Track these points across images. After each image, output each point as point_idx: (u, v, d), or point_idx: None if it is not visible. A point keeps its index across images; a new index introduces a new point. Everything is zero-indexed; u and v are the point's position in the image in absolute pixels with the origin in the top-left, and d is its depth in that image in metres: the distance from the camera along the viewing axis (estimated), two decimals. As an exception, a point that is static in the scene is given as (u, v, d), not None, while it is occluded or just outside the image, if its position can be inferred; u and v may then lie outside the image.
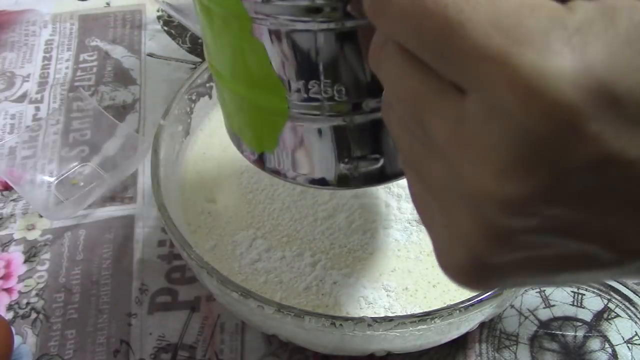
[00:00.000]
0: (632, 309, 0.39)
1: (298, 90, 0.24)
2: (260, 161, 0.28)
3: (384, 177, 0.27)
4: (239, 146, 0.30)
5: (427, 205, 0.20)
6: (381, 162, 0.26)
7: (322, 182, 0.27)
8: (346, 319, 0.29)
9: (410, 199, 0.29)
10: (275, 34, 0.23)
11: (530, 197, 0.16)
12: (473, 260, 0.18)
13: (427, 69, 0.17)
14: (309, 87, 0.24)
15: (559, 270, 0.18)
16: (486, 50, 0.15)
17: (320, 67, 0.23)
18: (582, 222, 0.16)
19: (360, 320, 0.29)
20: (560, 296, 0.39)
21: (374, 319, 0.29)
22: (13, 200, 0.45)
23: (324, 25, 0.22)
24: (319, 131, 0.25)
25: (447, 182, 0.18)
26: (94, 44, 0.57)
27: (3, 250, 0.43)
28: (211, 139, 0.43)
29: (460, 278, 0.19)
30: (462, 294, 0.35)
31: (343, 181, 0.27)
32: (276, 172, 0.28)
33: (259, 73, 0.24)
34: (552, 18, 0.15)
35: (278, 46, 0.23)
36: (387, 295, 0.35)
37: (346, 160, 0.26)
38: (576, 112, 0.14)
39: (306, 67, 0.23)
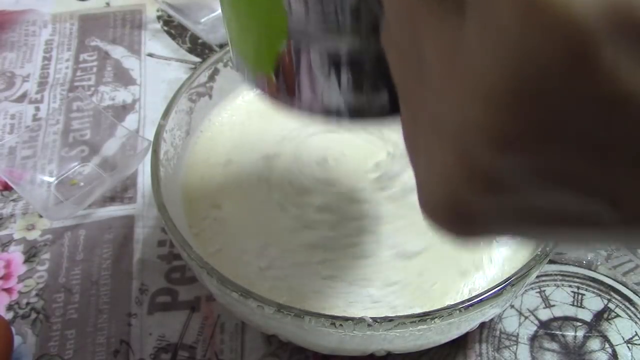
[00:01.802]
0: (632, 309, 0.39)
1: (301, 5, 0.21)
2: (263, 85, 0.25)
3: (394, 109, 0.23)
4: (241, 70, 0.27)
5: (415, 143, 0.18)
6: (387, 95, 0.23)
7: (325, 112, 0.24)
8: (346, 319, 0.29)
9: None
10: None
11: (521, 131, 0.14)
12: (452, 198, 0.16)
13: None
14: (313, 3, 0.21)
15: (554, 225, 0.16)
16: None
17: None
18: (583, 172, 0.14)
19: (360, 320, 0.29)
20: (560, 296, 0.39)
21: (374, 319, 0.29)
22: (13, 200, 0.45)
23: None
24: (325, 55, 0.23)
25: (435, 115, 0.16)
26: (94, 44, 0.57)
27: (3, 250, 0.43)
28: (213, 143, 0.43)
29: (437, 218, 0.17)
30: (463, 295, 0.35)
31: (350, 112, 0.24)
32: (276, 98, 0.25)
33: None
34: None
35: None
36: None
37: (353, 88, 0.23)
38: (585, 33, 0.12)
39: None
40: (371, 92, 0.23)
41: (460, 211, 0.16)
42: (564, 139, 0.13)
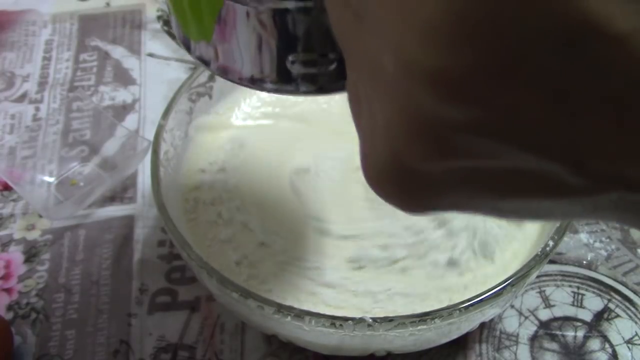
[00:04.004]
0: (632, 309, 0.39)
1: None
2: (204, 54, 0.23)
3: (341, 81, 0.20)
4: (178, 34, 0.25)
5: (358, 100, 0.16)
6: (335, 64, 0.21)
7: (258, 82, 0.22)
8: (346, 319, 0.29)
9: None
10: None
11: (467, 71, 0.11)
12: (394, 159, 0.14)
13: None
14: None
15: (509, 192, 0.14)
16: None
17: None
18: (542, 125, 0.12)
19: (360, 320, 0.29)
20: (561, 296, 0.39)
21: (374, 319, 0.29)
22: (13, 200, 0.45)
23: None
24: (264, 18, 0.21)
25: (374, 58, 0.14)
26: (94, 44, 0.57)
27: (3, 250, 0.43)
28: (213, 143, 0.43)
29: (380, 184, 0.15)
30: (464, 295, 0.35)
31: (291, 81, 0.22)
32: (218, 68, 0.23)
33: None
34: None
35: None
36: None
37: (295, 57, 0.21)
38: None
39: None
40: (318, 60, 0.21)
41: (404, 175, 0.14)
42: (522, 81, 0.11)
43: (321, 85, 0.22)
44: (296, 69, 0.22)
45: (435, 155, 0.13)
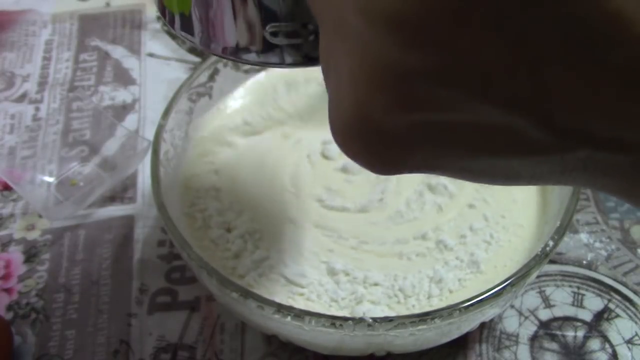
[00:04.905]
0: (632, 309, 0.39)
1: None
2: (177, 26, 0.24)
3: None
4: (160, 10, 0.25)
5: (328, 57, 0.15)
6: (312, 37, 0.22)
7: (243, 53, 0.22)
8: (346, 319, 0.29)
9: None
10: None
11: (427, 15, 0.11)
12: (358, 111, 0.14)
13: None
14: None
15: (476, 148, 0.14)
16: None
17: None
18: (504, 73, 0.12)
19: (360, 320, 0.29)
20: (561, 296, 0.39)
21: (374, 319, 0.29)
22: (13, 200, 0.45)
23: None
24: None
25: (339, 13, 0.14)
26: (93, 44, 0.57)
27: (3, 250, 0.43)
28: (211, 140, 0.43)
29: (346, 140, 0.15)
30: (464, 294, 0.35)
31: (273, 54, 0.22)
32: (189, 39, 0.24)
33: None
34: None
35: None
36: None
37: (277, 27, 0.21)
38: None
39: None
40: (300, 30, 0.21)
41: (369, 129, 0.14)
42: (476, 23, 0.11)
43: (305, 53, 0.22)
44: (279, 41, 0.22)
45: (397, 105, 0.13)
